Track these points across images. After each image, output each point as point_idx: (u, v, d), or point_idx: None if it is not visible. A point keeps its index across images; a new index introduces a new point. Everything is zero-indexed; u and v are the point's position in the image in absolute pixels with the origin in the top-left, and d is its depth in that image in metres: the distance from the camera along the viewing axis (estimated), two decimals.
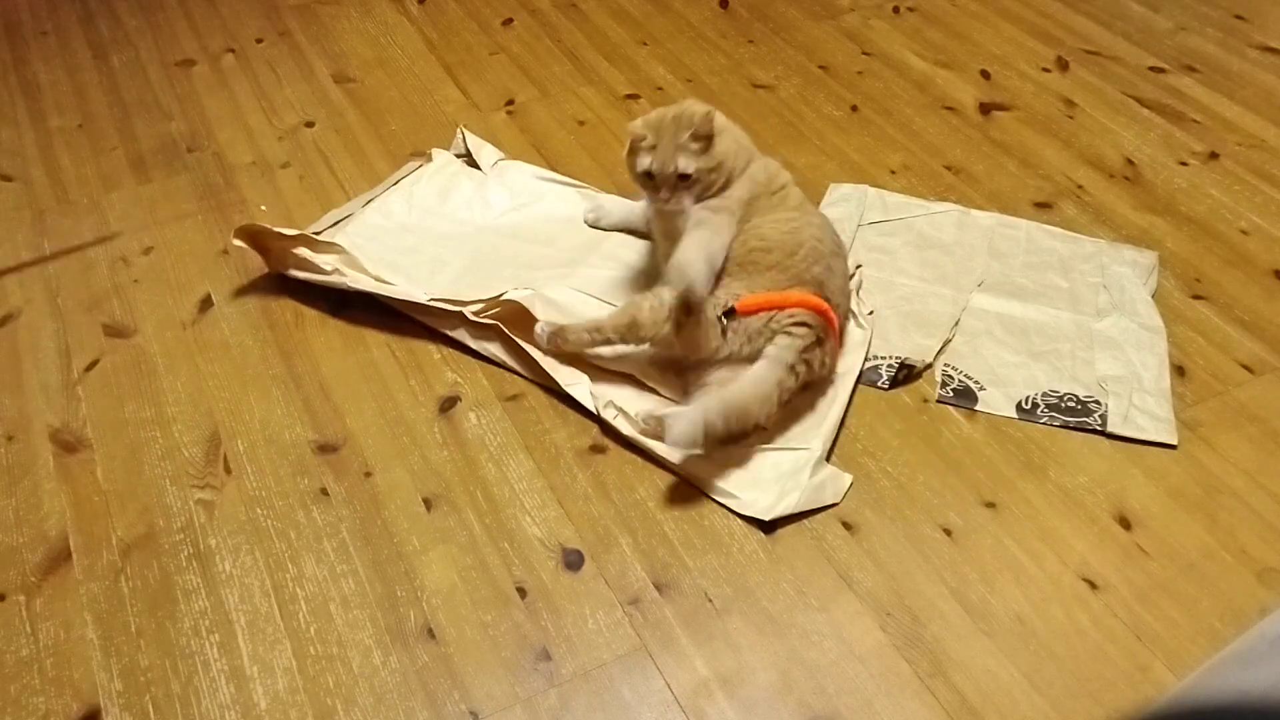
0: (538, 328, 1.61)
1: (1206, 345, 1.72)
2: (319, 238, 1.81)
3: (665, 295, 1.55)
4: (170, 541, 1.44)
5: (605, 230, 1.89)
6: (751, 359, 1.54)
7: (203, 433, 1.59)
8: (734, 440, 1.51)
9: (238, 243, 1.78)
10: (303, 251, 1.76)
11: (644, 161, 1.61)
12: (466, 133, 2.09)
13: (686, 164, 1.58)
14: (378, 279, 1.75)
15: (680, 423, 1.44)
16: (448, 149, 2.10)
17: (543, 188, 2.02)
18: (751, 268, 1.58)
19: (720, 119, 1.64)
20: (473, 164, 2.06)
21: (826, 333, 1.56)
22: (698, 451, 1.50)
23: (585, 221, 1.92)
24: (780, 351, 1.52)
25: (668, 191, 1.61)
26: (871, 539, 1.44)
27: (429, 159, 2.07)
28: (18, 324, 1.77)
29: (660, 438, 1.50)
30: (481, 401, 1.63)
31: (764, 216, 1.63)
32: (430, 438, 1.57)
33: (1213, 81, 2.32)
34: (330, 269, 1.74)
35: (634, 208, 1.88)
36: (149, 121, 2.24)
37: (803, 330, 1.53)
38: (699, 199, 1.62)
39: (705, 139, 1.59)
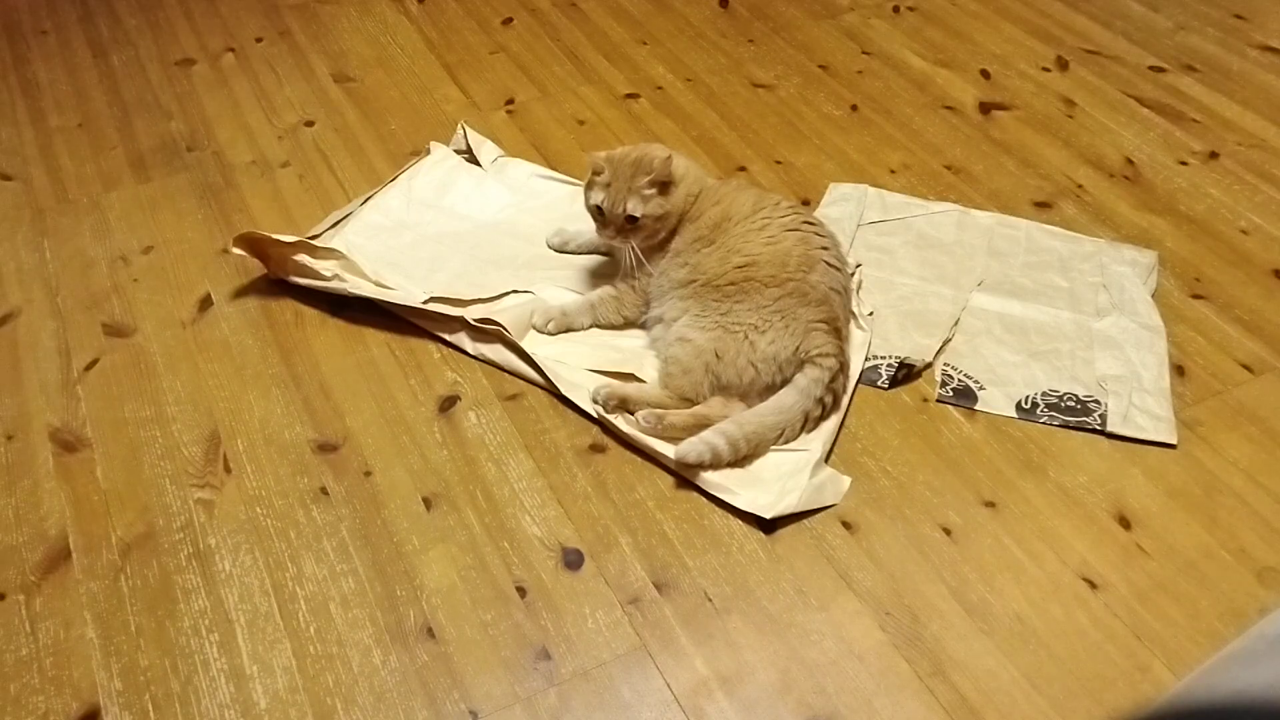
0: (598, 391, 1.57)
1: (1206, 345, 1.72)
2: (318, 242, 1.81)
3: (685, 359, 1.57)
4: (170, 541, 1.44)
5: (572, 254, 1.88)
6: (778, 386, 1.55)
7: (202, 432, 1.59)
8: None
9: (237, 251, 1.78)
10: (302, 258, 1.76)
11: (596, 196, 1.64)
12: (467, 128, 2.09)
13: (635, 207, 1.61)
14: (377, 283, 1.75)
15: (684, 446, 1.48)
16: (447, 145, 2.10)
17: (542, 186, 2.02)
18: (748, 286, 1.58)
19: (679, 166, 1.66)
20: (473, 160, 2.06)
21: (845, 354, 1.58)
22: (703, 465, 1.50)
23: (549, 246, 1.89)
24: (810, 384, 1.53)
25: (614, 230, 1.65)
26: (871, 538, 1.44)
27: (427, 153, 2.07)
28: (18, 323, 1.77)
29: (660, 435, 1.52)
30: (481, 401, 1.63)
31: (725, 236, 1.63)
32: (430, 437, 1.57)
33: (1213, 81, 2.32)
34: (330, 275, 1.74)
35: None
36: (149, 121, 2.24)
37: (830, 362, 1.54)
38: (643, 242, 1.66)
39: (659, 185, 1.62)
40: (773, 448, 1.52)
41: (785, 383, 1.55)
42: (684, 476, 1.50)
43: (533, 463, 1.54)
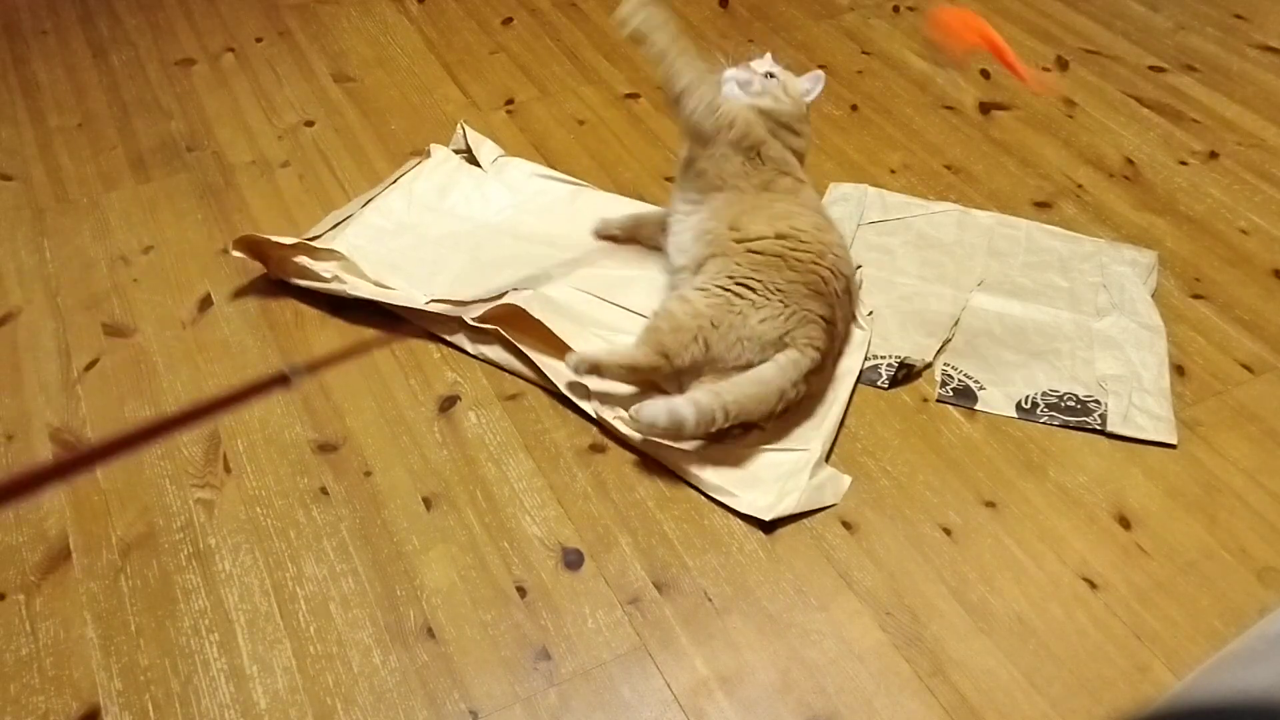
0: (571, 359, 1.56)
1: (1206, 345, 1.72)
2: (318, 243, 1.81)
3: (680, 316, 1.55)
4: (170, 541, 1.44)
5: (617, 231, 1.87)
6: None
7: (202, 432, 1.59)
8: (724, 435, 1.52)
9: (237, 253, 1.78)
10: (302, 260, 1.76)
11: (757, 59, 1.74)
12: (467, 128, 2.09)
13: (779, 72, 1.69)
14: (377, 284, 1.75)
15: (651, 408, 1.48)
16: (447, 146, 2.10)
17: (543, 185, 2.02)
18: (774, 261, 1.57)
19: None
20: (473, 160, 2.06)
21: (829, 359, 1.58)
22: (684, 445, 1.50)
23: (596, 234, 1.88)
24: (789, 364, 1.52)
25: (747, 70, 1.70)
26: (871, 538, 1.44)
27: (428, 155, 2.07)
28: (18, 323, 1.77)
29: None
30: (481, 401, 1.63)
31: (780, 199, 1.65)
32: (430, 437, 1.57)
33: (1212, 81, 2.32)
34: (330, 276, 1.74)
35: (645, 212, 1.87)
36: (149, 121, 2.24)
37: (814, 354, 1.54)
38: (743, 161, 1.65)
39: (801, 106, 1.70)
40: (771, 448, 1.52)
41: (763, 362, 1.55)
42: (683, 476, 1.50)
43: (533, 463, 1.54)
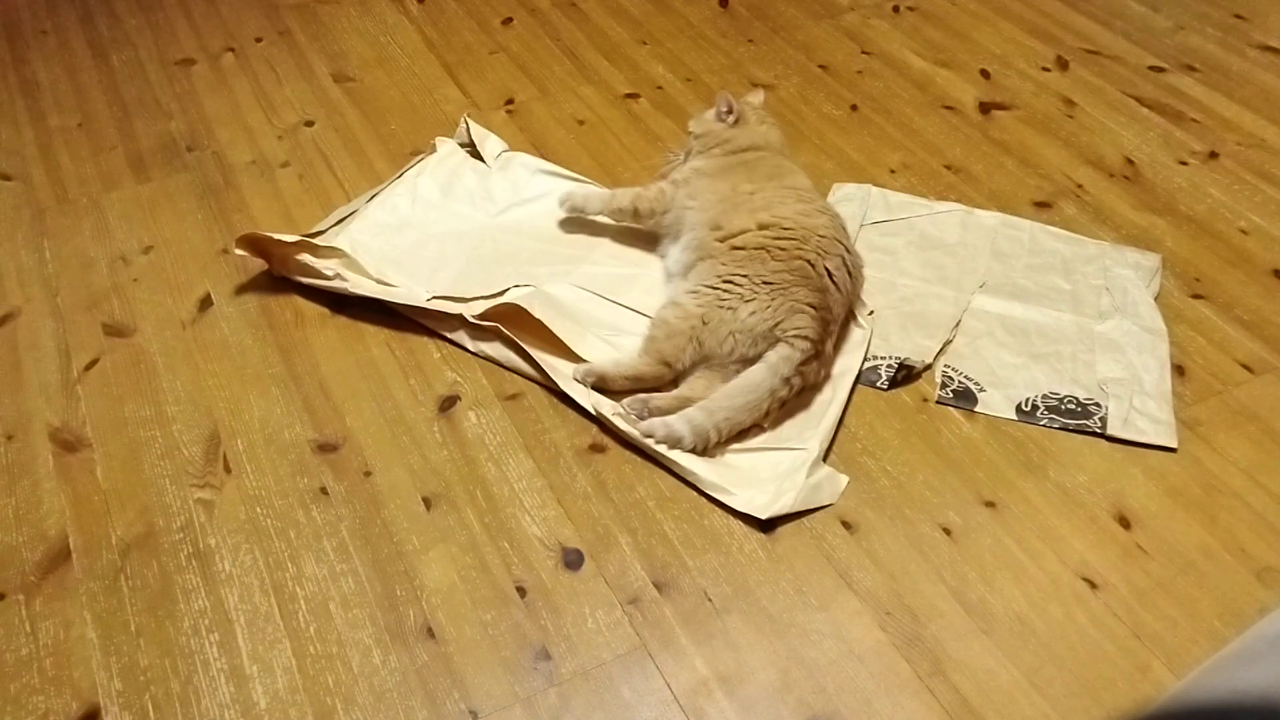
0: (578, 370, 1.60)
1: (1206, 345, 1.72)
2: (322, 239, 1.81)
3: (673, 321, 1.58)
4: (170, 541, 1.44)
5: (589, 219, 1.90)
6: (754, 360, 1.55)
7: (202, 432, 1.59)
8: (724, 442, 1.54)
9: (239, 251, 1.78)
10: (304, 257, 1.76)
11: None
12: (471, 122, 2.08)
13: (693, 125, 1.90)
14: (380, 281, 1.75)
15: (648, 422, 1.52)
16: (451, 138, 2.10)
17: (546, 183, 2.01)
18: (758, 255, 1.60)
19: (755, 121, 1.90)
20: (475, 154, 2.06)
21: (824, 345, 1.58)
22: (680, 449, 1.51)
23: (563, 207, 1.89)
24: (779, 361, 1.53)
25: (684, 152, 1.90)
26: (871, 538, 1.44)
27: (433, 149, 2.07)
28: (18, 324, 1.77)
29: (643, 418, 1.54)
30: (481, 401, 1.63)
31: (761, 188, 1.70)
32: (430, 437, 1.57)
33: (1212, 81, 2.32)
34: (332, 274, 1.75)
35: (619, 198, 1.86)
36: (148, 121, 2.24)
37: (804, 344, 1.54)
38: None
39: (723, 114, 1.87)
40: (769, 447, 1.52)
41: (756, 356, 1.56)
42: (682, 475, 1.50)
43: (533, 463, 1.54)
